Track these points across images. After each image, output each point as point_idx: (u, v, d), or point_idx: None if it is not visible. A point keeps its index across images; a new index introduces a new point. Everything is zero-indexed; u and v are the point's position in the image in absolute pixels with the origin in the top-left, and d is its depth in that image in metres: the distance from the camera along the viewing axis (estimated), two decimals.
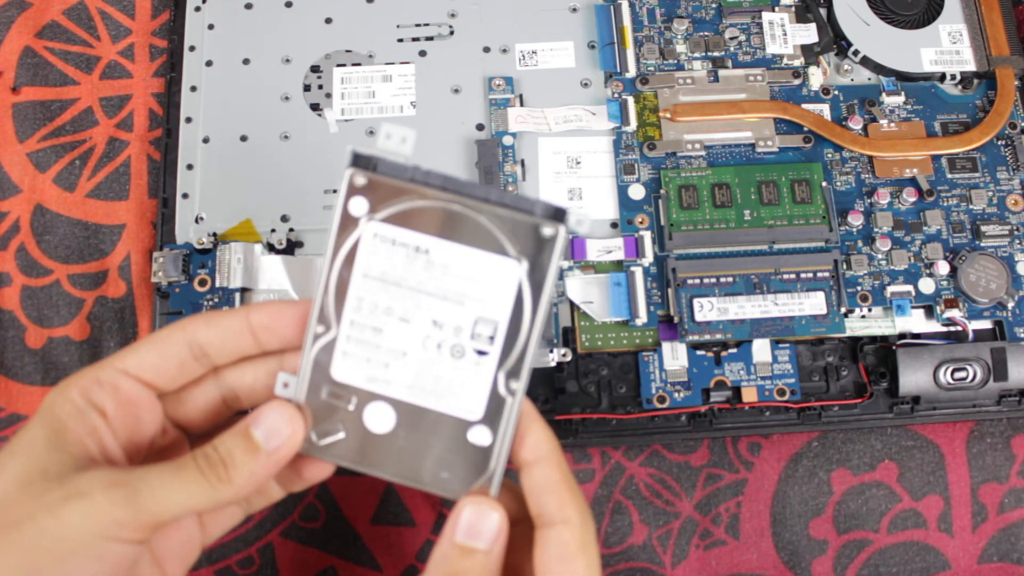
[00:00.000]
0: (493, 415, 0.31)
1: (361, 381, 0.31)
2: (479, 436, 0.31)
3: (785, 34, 0.52)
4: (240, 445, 0.30)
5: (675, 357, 0.46)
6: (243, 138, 0.50)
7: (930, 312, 0.47)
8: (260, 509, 0.36)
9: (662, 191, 0.48)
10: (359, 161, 0.30)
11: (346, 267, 0.30)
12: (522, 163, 0.49)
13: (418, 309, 0.30)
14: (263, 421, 0.30)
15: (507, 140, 0.49)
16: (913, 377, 0.45)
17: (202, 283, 0.46)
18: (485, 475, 0.31)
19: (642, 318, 0.46)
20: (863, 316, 0.47)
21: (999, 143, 0.50)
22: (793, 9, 0.52)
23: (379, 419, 0.31)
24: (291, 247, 0.48)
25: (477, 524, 0.30)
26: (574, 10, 0.53)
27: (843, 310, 0.46)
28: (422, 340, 0.30)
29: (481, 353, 0.30)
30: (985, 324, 0.47)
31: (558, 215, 0.29)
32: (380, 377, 0.31)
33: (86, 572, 0.29)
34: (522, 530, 0.31)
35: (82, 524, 0.28)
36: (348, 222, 0.30)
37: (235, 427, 0.30)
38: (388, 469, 0.31)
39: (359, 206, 0.30)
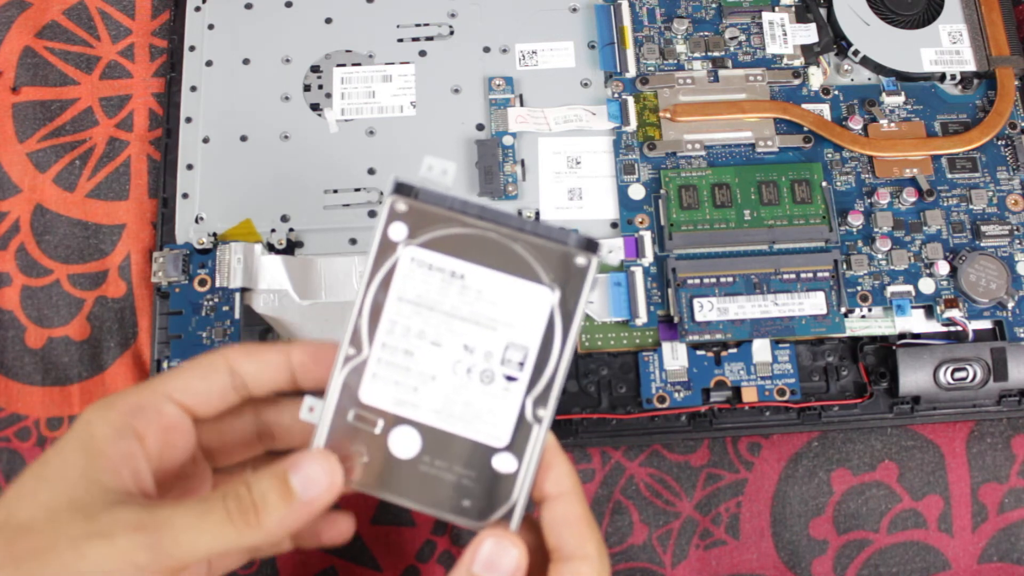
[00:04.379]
0: (519, 443, 0.31)
1: (389, 404, 0.31)
2: (504, 464, 0.31)
3: (785, 34, 0.52)
4: (276, 489, 0.29)
5: (675, 357, 0.46)
6: (243, 138, 0.50)
7: (930, 312, 0.47)
8: (265, 556, 0.36)
9: (662, 191, 0.48)
10: (401, 189, 0.31)
11: (382, 290, 0.31)
12: (522, 163, 0.49)
13: (450, 333, 0.31)
14: (302, 469, 0.30)
15: (507, 140, 0.49)
16: (913, 377, 0.45)
17: (202, 283, 0.46)
18: (507, 505, 0.31)
19: (642, 318, 0.46)
20: (863, 316, 0.47)
21: (999, 143, 0.50)
22: (793, 9, 0.52)
23: (404, 444, 0.31)
24: (291, 247, 0.48)
25: (496, 558, 0.30)
26: (574, 10, 0.53)
27: (843, 310, 0.46)
28: (452, 364, 0.31)
29: (510, 379, 0.31)
30: (985, 324, 0.47)
31: (591, 246, 0.31)
32: (408, 401, 0.31)
33: None
34: (535, 561, 0.31)
35: (103, 564, 0.28)
36: (387, 246, 0.31)
37: (271, 469, 0.30)
38: (410, 496, 0.31)
39: (398, 231, 0.31)
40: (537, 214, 0.48)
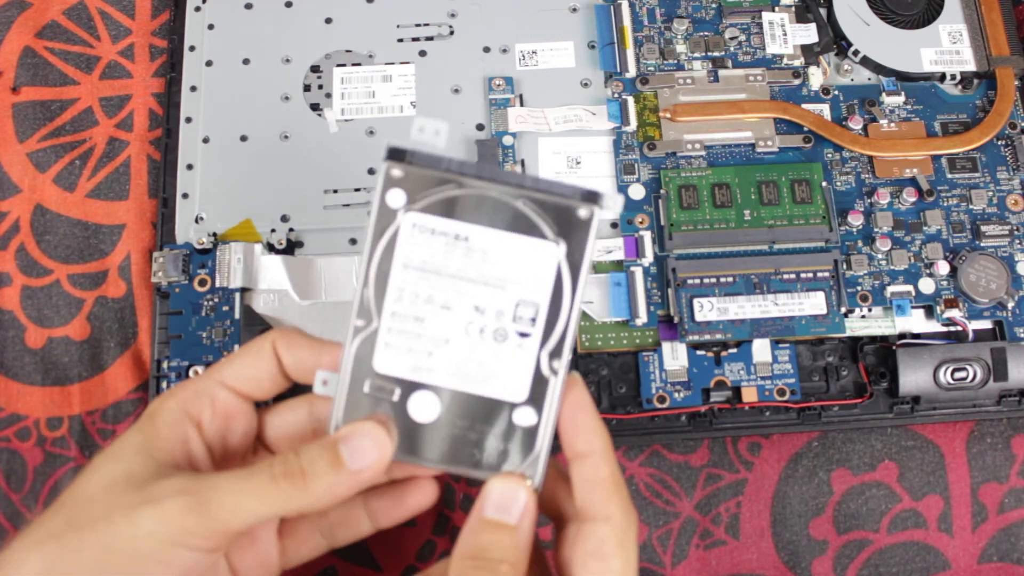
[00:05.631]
0: (537, 395, 0.31)
1: (404, 371, 0.31)
2: (524, 417, 0.31)
3: (785, 34, 0.52)
4: (324, 457, 0.30)
5: (675, 357, 0.46)
6: (243, 138, 0.50)
7: (930, 312, 0.47)
8: (345, 543, 0.36)
9: (662, 191, 0.48)
10: (395, 154, 0.30)
11: (385, 259, 0.31)
12: (522, 163, 0.49)
13: (459, 296, 0.31)
14: (353, 440, 0.30)
15: (507, 140, 0.49)
16: (913, 377, 0.45)
17: (202, 283, 0.46)
18: (531, 456, 0.31)
19: (642, 318, 0.46)
20: (863, 316, 0.47)
21: (999, 143, 0.50)
22: (793, 9, 0.52)
23: (424, 408, 0.31)
24: (291, 247, 0.48)
25: (505, 500, 0.30)
26: (574, 10, 0.53)
27: (843, 310, 0.46)
28: (464, 326, 0.31)
29: (523, 335, 0.31)
30: (985, 324, 0.47)
31: (592, 197, 0.30)
32: (423, 366, 0.31)
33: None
34: (569, 516, 0.32)
35: (153, 529, 0.29)
36: (386, 214, 0.30)
37: (321, 440, 0.31)
38: (436, 457, 0.31)
39: (396, 198, 0.30)
40: None
